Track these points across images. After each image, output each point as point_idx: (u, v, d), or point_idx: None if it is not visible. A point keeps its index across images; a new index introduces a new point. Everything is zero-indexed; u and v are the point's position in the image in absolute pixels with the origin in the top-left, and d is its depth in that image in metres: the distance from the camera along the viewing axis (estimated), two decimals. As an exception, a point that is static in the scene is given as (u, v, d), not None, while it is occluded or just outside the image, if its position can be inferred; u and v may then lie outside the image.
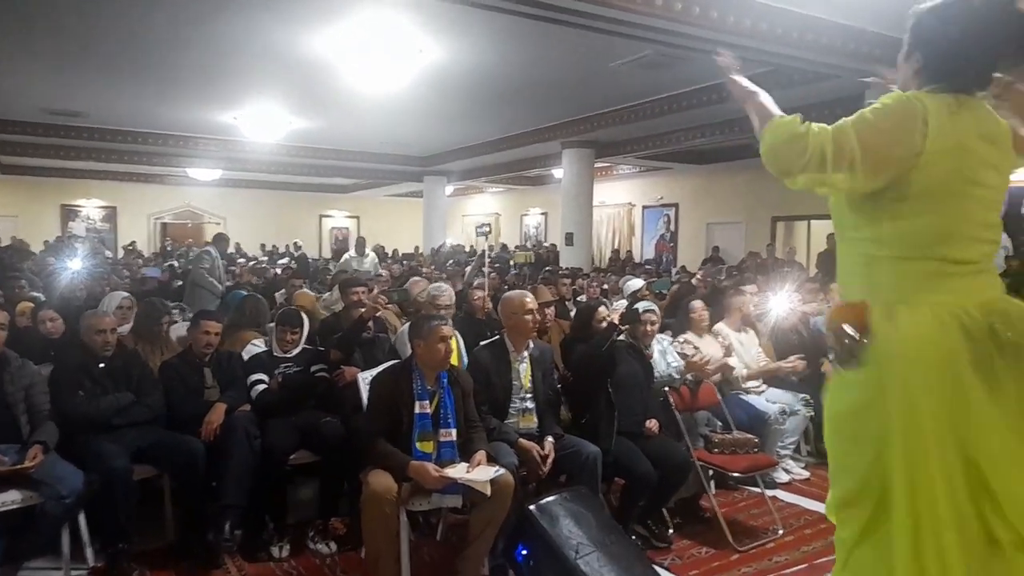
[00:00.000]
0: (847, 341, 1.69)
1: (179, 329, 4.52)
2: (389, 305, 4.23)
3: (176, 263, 11.15)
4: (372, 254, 10.70)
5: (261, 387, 3.72)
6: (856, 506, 1.73)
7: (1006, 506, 1.59)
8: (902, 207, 1.67)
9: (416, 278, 5.62)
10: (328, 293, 6.14)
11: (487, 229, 7.46)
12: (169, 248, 17.19)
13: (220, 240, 8.52)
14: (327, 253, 19.11)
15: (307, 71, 7.92)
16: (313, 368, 3.89)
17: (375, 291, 4.90)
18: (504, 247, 16.11)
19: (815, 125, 1.64)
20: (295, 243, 17.08)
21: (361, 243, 10.47)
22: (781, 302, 5.03)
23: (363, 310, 4.02)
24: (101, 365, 3.48)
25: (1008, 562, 1.61)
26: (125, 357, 3.62)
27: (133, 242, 17.37)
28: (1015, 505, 1.59)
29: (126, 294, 4.94)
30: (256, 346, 4.03)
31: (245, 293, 5.43)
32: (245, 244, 18.15)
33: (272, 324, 4.14)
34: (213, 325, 3.79)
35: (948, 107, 1.67)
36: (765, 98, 1.77)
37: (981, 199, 1.70)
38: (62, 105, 10.05)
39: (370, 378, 3.38)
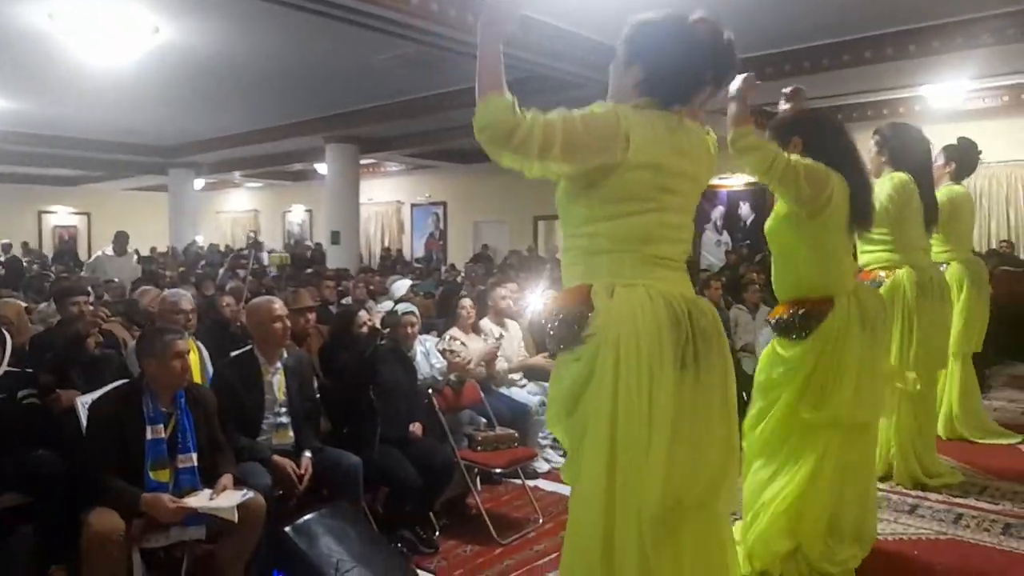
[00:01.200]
0: (572, 318, 1.86)
1: None
2: (114, 317, 3.70)
3: None
4: (131, 252, 9.04)
5: (-52, 422, 3.07)
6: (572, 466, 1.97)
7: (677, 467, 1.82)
8: (612, 210, 1.87)
9: (146, 287, 5.01)
10: (45, 304, 5.28)
11: (252, 235, 6.96)
12: None
13: None
14: (50, 255, 16.58)
15: (15, 43, 6.77)
16: (20, 394, 3.29)
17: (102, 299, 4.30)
18: (258, 244, 15.10)
19: (528, 114, 1.74)
20: (2, 244, 14.47)
21: (122, 239, 8.72)
22: (537, 298, 5.27)
23: (80, 324, 3.49)
24: None
25: (689, 521, 1.89)
26: None
27: None
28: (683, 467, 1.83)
29: None
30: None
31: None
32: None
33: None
34: None
35: (652, 124, 1.86)
36: (498, 63, 1.76)
37: (674, 206, 1.94)
38: None
39: (91, 402, 2.94)
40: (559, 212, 1.99)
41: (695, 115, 1.99)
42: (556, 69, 6.79)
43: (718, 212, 12.18)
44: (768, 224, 2.97)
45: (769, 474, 2.87)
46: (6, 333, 3.44)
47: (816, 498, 2.78)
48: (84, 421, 2.99)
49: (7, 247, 14.29)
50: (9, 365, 3.36)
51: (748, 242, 11.34)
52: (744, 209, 11.92)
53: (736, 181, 11.54)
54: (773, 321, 2.95)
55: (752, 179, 11.63)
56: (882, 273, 3.76)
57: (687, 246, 2.01)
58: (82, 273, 8.31)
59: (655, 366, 1.79)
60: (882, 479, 3.95)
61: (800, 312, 2.83)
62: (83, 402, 3.11)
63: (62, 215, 19.17)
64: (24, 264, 11.16)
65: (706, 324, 1.90)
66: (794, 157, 2.72)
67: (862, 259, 3.77)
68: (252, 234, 16.51)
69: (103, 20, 5.97)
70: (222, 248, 15.29)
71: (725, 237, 12.13)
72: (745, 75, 2.51)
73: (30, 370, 3.45)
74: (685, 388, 1.84)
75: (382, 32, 5.87)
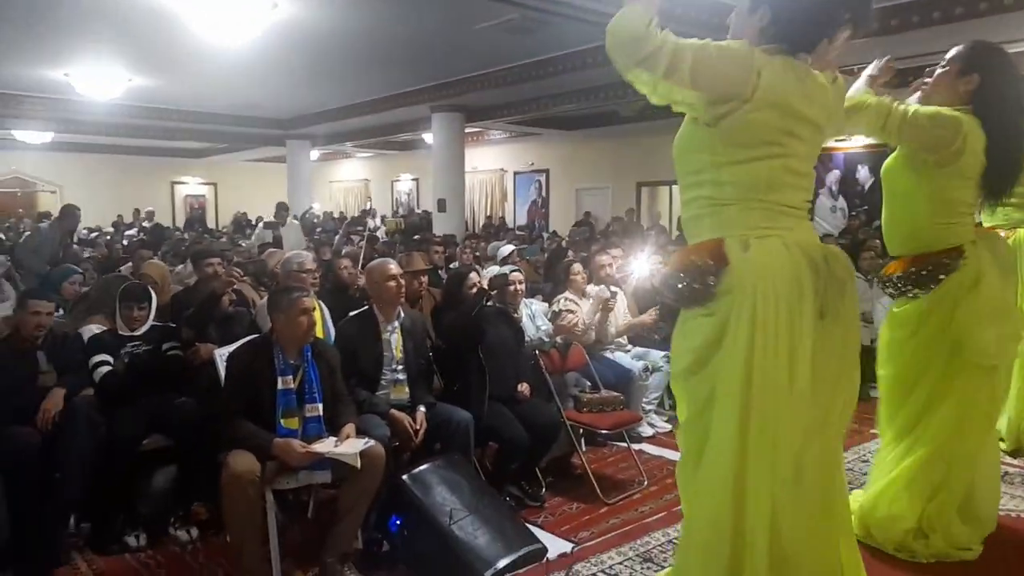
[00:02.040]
0: (704, 273, 1.82)
1: (3, 310, 4.06)
2: (245, 277, 3.98)
3: (2, 236, 10.02)
4: (296, 223, 8.84)
5: (105, 369, 3.41)
6: (693, 426, 1.94)
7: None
8: (736, 153, 1.83)
9: (273, 249, 5.34)
10: (181, 266, 5.74)
11: (370, 203, 7.20)
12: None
13: (67, 215, 7.38)
14: (181, 223, 17.87)
15: (147, 23, 7.25)
16: (164, 346, 3.62)
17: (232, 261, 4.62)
18: (373, 211, 15.64)
19: (663, 31, 1.72)
20: (146, 211, 15.77)
21: (282, 210, 8.80)
22: (642, 263, 5.22)
23: (216, 284, 3.77)
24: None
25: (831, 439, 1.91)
26: (-63, 344, 3.21)
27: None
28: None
29: (-63, 273, 4.38)
30: (98, 326, 3.70)
31: (77, 270, 4.95)
32: (86, 215, 16.58)
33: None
34: (44, 305, 3.43)
35: (780, 67, 1.80)
36: None
37: (797, 152, 1.87)
38: None
39: (227, 355, 3.19)
40: (676, 159, 1.95)
41: (827, 64, 1.91)
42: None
43: (833, 176, 11.54)
44: (887, 163, 2.73)
45: (901, 445, 2.75)
46: (152, 291, 3.78)
47: (954, 462, 2.65)
48: (222, 371, 3.25)
49: (151, 215, 15.56)
50: (154, 320, 3.70)
51: (866, 208, 10.73)
52: (862, 173, 11.24)
53: (854, 143, 10.86)
54: (888, 278, 2.74)
55: (871, 141, 10.92)
56: (1002, 233, 3.47)
57: (809, 195, 1.96)
58: (252, 241, 8.47)
59: (795, 317, 1.77)
60: (1012, 454, 3.73)
61: (924, 270, 2.63)
62: (220, 354, 3.38)
63: (192, 185, 20.55)
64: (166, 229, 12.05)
65: (840, 270, 1.88)
66: (912, 107, 2.52)
67: (985, 220, 3.46)
68: (369, 201, 17.23)
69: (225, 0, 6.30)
70: (335, 216, 15.96)
71: (841, 202, 11.51)
72: (884, 59, 2.57)
73: (173, 324, 3.79)
74: (822, 337, 1.82)
75: (488, -2, 5.90)
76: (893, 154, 2.72)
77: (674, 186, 13.95)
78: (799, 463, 1.82)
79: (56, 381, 3.33)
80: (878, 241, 6.38)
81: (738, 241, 1.82)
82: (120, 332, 3.58)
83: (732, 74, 1.76)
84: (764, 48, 1.83)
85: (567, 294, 4.65)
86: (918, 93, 2.71)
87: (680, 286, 1.88)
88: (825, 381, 1.84)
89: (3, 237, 9.80)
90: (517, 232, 13.88)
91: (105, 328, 3.65)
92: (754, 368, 1.76)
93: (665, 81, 1.73)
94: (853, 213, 10.88)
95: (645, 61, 1.71)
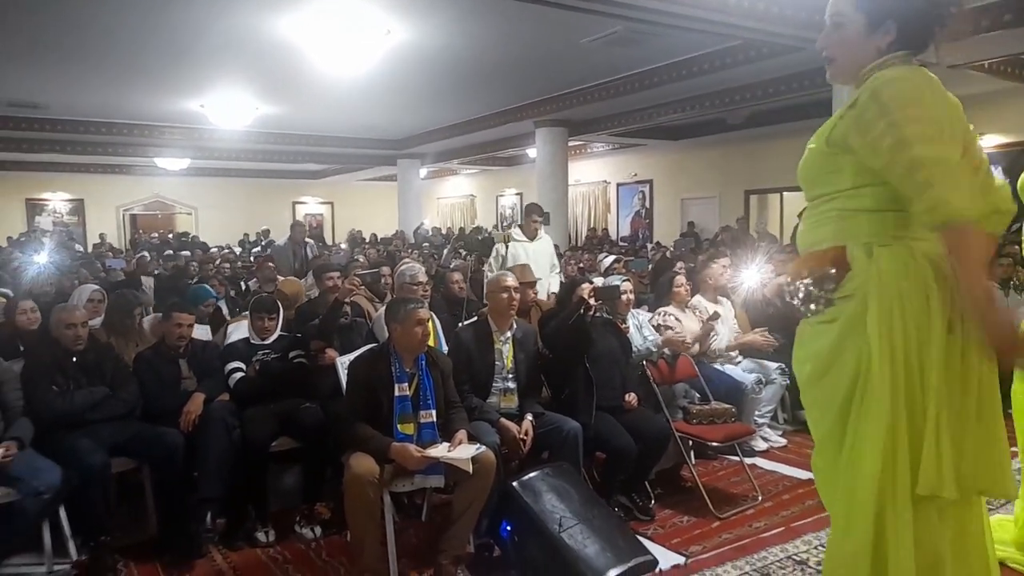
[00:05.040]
0: (824, 280, 1.75)
1: (153, 320, 4.47)
2: (362, 288, 4.21)
3: (147, 254, 10.96)
4: (547, 236, 6.41)
5: (239, 375, 3.70)
6: (831, 441, 1.81)
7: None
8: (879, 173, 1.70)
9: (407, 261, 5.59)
10: (303, 279, 6.09)
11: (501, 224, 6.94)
12: (141, 239, 17.00)
13: (295, 228, 8.49)
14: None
15: (273, 55, 7.80)
16: (291, 354, 3.87)
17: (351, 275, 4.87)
18: (467, 229, 15.94)
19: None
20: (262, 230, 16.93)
21: (535, 213, 6.22)
22: (753, 274, 5.08)
23: (337, 293, 4.00)
24: (74, 360, 3.44)
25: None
26: (98, 351, 3.57)
27: (102, 235, 17.12)
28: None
29: (96, 287, 4.86)
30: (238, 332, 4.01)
31: (213, 293, 5.38)
32: (217, 233, 17.91)
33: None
34: (185, 317, 3.75)
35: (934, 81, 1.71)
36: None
37: None
38: (21, 97, 9.84)
39: (348, 363, 3.37)
40: (807, 182, 1.85)
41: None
42: (769, 32, 6.42)
43: (965, 179, 10.76)
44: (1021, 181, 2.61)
45: None
46: (280, 304, 4.05)
47: None
48: (343, 378, 3.44)
49: (266, 232, 16.65)
50: (281, 330, 3.96)
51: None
52: (995, 174, 10.43)
53: (984, 143, 10.09)
54: None
55: (1004, 140, 10.13)
56: None
57: None
58: (492, 258, 6.09)
59: (923, 328, 1.64)
60: None
61: None
62: (342, 362, 3.58)
63: (311, 205, 21.78)
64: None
65: None
66: None
67: None
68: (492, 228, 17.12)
69: (344, 27, 6.68)
70: (443, 231, 16.45)
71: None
72: None
73: (298, 335, 4.04)
74: (954, 355, 1.65)
75: (593, 13, 5.94)
76: None
77: (785, 193, 13.56)
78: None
79: (196, 386, 3.64)
80: (1017, 247, 5.92)
81: (861, 248, 1.72)
82: (252, 341, 3.86)
83: (943, 113, 1.68)
84: (888, 59, 1.74)
85: (670, 307, 4.60)
86: None
87: (799, 292, 1.80)
88: (983, 410, 1.68)
89: (147, 256, 10.69)
90: (620, 244, 13.79)
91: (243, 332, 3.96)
92: (899, 380, 1.65)
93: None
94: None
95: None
